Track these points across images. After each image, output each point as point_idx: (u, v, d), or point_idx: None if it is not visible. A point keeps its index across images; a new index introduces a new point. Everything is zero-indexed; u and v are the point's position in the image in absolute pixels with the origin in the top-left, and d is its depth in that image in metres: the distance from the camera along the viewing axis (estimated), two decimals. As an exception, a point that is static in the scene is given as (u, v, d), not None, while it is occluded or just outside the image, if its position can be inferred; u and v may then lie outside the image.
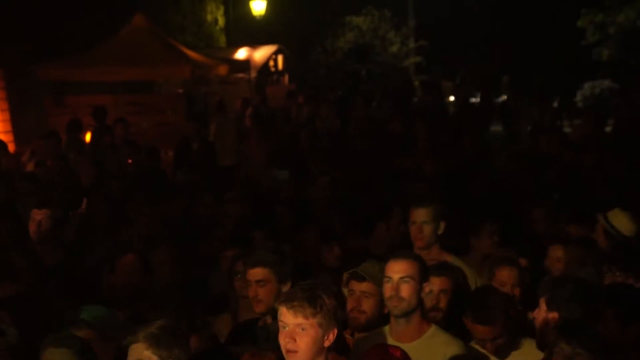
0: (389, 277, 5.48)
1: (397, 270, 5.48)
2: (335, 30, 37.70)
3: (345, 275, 6.00)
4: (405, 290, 5.42)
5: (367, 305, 5.78)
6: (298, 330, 4.46)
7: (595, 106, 26.95)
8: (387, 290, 5.45)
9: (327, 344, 4.50)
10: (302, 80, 25.48)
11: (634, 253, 6.98)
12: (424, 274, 5.55)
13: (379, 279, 5.68)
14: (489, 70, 28.53)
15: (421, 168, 11.66)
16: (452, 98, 32.86)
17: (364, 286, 5.84)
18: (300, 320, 4.46)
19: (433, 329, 5.50)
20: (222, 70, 21.91)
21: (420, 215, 6.93)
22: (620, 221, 7.44)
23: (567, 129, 20.58)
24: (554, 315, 5.05)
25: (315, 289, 4.58)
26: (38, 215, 8.37)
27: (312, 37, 36.09)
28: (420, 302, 5.49)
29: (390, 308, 5.44)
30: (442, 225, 6.95)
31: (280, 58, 28.59)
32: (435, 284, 6.06)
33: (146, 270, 7.04)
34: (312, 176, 11.00)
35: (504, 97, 27.03)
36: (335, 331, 4.51)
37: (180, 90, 21.28)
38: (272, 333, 5.11)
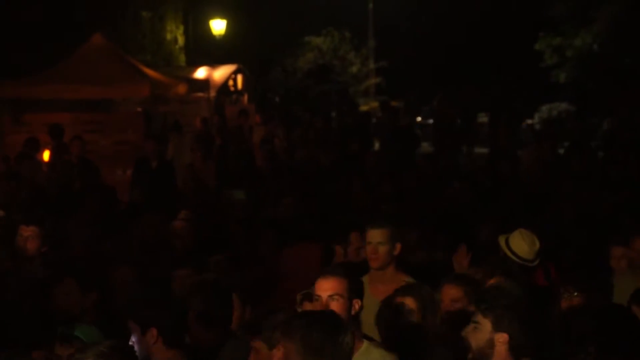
0: (318, 296, 5.53)
1: (326, 288, 5.52)
2: (295, 50, 37.83)
3: (298, 296, 6.05)
4: (335, 308, 5.40)
5: None
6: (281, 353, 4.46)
7: (552, 128, 27.15)
8: (317, 308, 5.47)
9: None
10: (261, 100, 25.53)
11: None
12: (355, 291, 5.58)
13: None
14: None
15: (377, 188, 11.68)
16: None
17: (316, 306, 5.90)
18: (282, 343, 4.46)
19: (366, 345, 5.48)
20: (181, 89, 21.88)
21: (376, 236, 6.92)
22: (518, 244, 7.50)
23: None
24: (502, 336, 5.04)
25: (308, 317, 4.59)
26: (25, 232, 8.35)
27: (272, 56, 36.19)
28: (351, 319, 5.48)
29: None
30: (398, 246, 6.95)
31: (239, 77, 28.61)
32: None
33: (86, 290, 7.01)
34: (272, 196, 11.00)
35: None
36: None
37: (139, 109, 21.22)
38: None
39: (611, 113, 25.85)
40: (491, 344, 4.95)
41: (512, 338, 4.92)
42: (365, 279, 6.72)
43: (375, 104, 34.36)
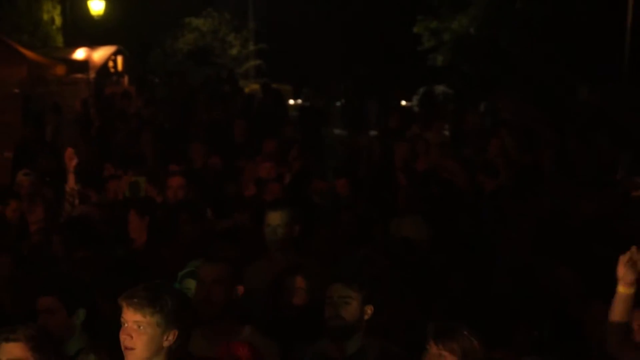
0: (202, 281, 5.57)
1: (209, 273, 5.56)
2: (174, 31, 37.55)
3: (180, 274, 6.12)
4: (217, 294, 5.48)
5: None
6: (135, 327, 4.46)
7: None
8: (199, 294, 5.53)
9: (166, 344, 4.49)
10: (142, 82, 25.26)
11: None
12: (237, 277, 5.61)
13: None
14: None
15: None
16: (291, 101, 33.24)
17: (201, 290, 5.96)
18: (138, 317, 4.46)
19: (249, 329, 5.54)
20: (60, 70, 21.61)
21: (275, 218, 6.96)
22: (407, 230, 7.64)
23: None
24: (370, 308, 5.48)
25: (158, 288, 4.59)
26: None
27: (152, 38, 35.86)
28: (232, 303, 5.53)
29: (200, 312, 5.39)
30: (297, 228, 7.01)
31: (119, 59, 28.30)
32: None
33: None
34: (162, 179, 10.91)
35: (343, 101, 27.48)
36: (176, 332, 4.50)
37: (17, 90, 20.83)
38: None
39: (487, 96, 26.37)
40: (362, 315, 5.45)
41: (375, 309, 5.48)
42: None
43: (255, 86, 34.37)
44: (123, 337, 4.48)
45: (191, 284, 5.99)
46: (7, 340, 4.52)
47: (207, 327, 5.44)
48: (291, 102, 33.05)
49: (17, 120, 17.88)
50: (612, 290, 5.29)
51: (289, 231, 6.98)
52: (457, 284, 6.94)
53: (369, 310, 5.47)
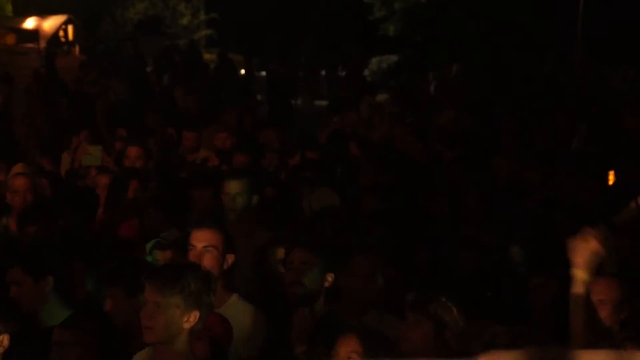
0: (193, 246, 5.54)
1: (202, 239, 5.54)
2: (124, 0, 37.21)
3: (148, 246, 6.13)
4: (208, 260, 5.45)
5: None
6: (155, 307, 4.39)
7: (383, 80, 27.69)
8: (191, 258, 5.49)
9: (187, 325, 4.42)
10: (92, 52, 25.06)
11: None
12: (228, 244, 5.61)
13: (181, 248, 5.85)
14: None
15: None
16: (243, 71, 33.16)
17: (167, 254, 6.03)
18: (157, 297, 4.39)
19: (235, 297, 5.57)
20: (10, 39, 21.46)
21: (234, 186, 6.94)
22: (318, 201, 7.88)
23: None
24: (331, 275, 5.57)
25: (181, 269, 4.56)
26: None
27: (102, 7, 35.49)
28: (222, 272, 5.53)
29: None
30: (255, 198, 7.01)
31: (70, 28, 28.03)
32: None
33: None
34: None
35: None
36: (198, 314, 4.42)
37: (-35, 60, 20.66)
38: None
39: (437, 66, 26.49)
40: (322, 283, 5.54)
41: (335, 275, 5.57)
42: None
43: (207, 56, 34.21)
44: (143, 316, 4.43)
45: (159, 255, 6.02)
46: None
47: None
48: (242, 72, 32.95)
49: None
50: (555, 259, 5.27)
51: (248, 200, 6.97)
52: (419, 256, 6.98)
53: (330, 277, 5.51)
